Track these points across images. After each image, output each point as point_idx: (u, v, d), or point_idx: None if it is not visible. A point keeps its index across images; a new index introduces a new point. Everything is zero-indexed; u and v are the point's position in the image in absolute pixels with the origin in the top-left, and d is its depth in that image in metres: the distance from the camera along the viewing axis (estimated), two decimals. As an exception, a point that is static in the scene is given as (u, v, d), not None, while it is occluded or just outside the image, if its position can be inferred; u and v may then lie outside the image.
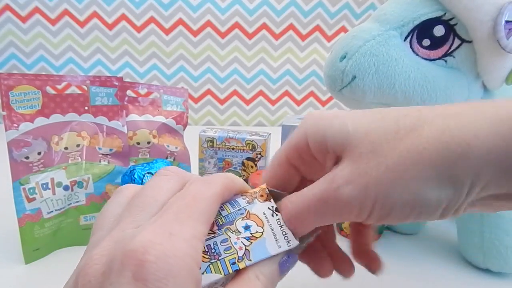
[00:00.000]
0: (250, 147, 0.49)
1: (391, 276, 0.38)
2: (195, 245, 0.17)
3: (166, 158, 0.47)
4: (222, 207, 0.22)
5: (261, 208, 0.22)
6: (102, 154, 0.41)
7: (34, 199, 0.37)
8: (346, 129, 0.20)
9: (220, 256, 0.20)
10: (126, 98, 0.44)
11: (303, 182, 0.24)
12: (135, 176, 0.38)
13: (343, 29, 1.05)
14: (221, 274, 0.19)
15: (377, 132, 0.20)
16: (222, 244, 0.21)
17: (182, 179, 0.21)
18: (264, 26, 1.03)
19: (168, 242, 0.16)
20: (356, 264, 0.30)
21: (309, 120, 0.23)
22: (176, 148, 0.47)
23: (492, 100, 0.20)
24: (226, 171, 0.51)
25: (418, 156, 0.18)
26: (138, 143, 0.45)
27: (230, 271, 0.20)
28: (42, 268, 0.38)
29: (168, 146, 0.47)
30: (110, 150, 0.42)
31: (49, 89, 0.38)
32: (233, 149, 0.50)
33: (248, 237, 0.21)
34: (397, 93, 0.32)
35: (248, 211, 0.22)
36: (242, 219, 0.22)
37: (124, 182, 0.39)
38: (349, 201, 0.20)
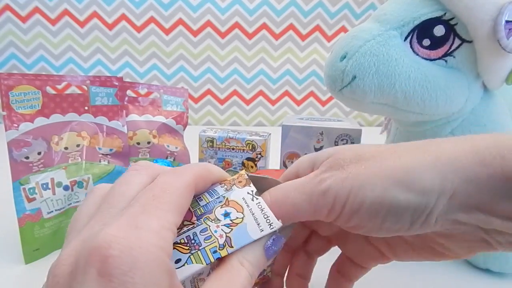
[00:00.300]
0: (250, 147, 0.49)
1: (391, 276, 0.38)
2: (164, 236, 0.17)
3: (166, 158, 0.47)
4: (200, 197, 0.22)
5: (240, 193, 0.22)
6: (102, 154, 0.41)
7: (34, 199, 0.37)
8: (332, 149, 0.23)
9: (200, 246, 0.19)
10: (126, 98, 0.44)
11: None
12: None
13: (343, 29, 1.05)
14: (202, 264, 0.19)
15: (360, 147, 0.23)
16: (201, 233, 0.20)
17: (152, 172, 0.20)
18: (264, 26, 1.03)
19: (133, 234, 0.16)
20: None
21: (298, 160, 0.25)
22: (176, 148, 0.47)
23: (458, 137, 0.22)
24: (226, 171, 0.51)
25: (393, 165, 0.21)
26: (138, 143, 0.45)
27: (212, 260, 0.19)
28: (42, 268, 0.38)
29: (168, 146, 0.47)
30: (110, 150, 0.42)
31: (49, 89, 0.38)
32: (233, 149, 0.50)
33: (228, 224, 0.20)
34: (398, 93, 0.32)
35: (227, 198, 0.22)
36: (221, 207, 0.21)
37: (124, 182, 0.39)
38: (327, 191, 0.21)
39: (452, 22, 0.32)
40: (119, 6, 0.98)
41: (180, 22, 1.01)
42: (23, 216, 0.37)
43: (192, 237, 0.20)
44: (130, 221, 0.16)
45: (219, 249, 0.19)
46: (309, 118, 0.51)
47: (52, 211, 0.38)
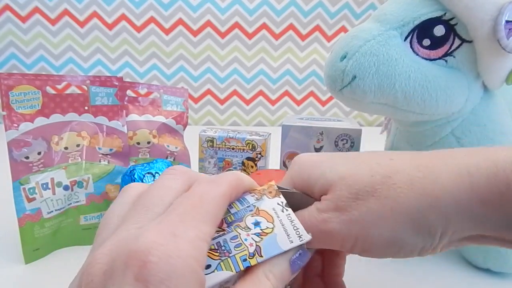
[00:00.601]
0: (250, 147, 0.49)
1: (391, 276, 0.38)
2: (200, 246, 0.17)
3: (166, 158, 0.47)
4: (231, 205, 0.22)
5: (271, 204, 0.22)
6: (102, 154, 0.41)
7: (34, 199, 0.37)
8: (325, 176, 0.23)
9: (230, 253, 0.20)
10: (126, 98, 0.44)
11: None
12: (135, 176, 0.38)
13: (343, 29, 1.05)
14: (232, 272, 0.19)
15: (353, 178, 0.22)
16: (232, 241, 0.20)
17: (189, 179, 0.21)
18: (264, 26, 1.03)
19: (171, 243, 0.16)
20: (356, 264, 0.30)
21: (293, 168, 0.25)
22: (176, 148, 0.47)
23: (451, 151, 0.23)
24: (226, 171, 0.51)
25: (395, 205, 0.21)
26: (138, 143, 0.45)
27: (242, 268, 0.19)
28: (42, 268, 0.38)
29: (168, 146, 0.47)
30: (110, 150, 0.42)
31: (49, 89, 0.38)
32: (233, 149, 0.50)
33: (259, 233, 0.21)
34: (398, 93, 0.32)
35: (257, 208, 0.22)
36: (252, 216, 0.21)
37: (124, 182, 0.39)
38: (334, 234, 0.21)
39: (452, 22, 0.32)
40: (119, 6, 0.98)
41: (180, 22, 1.01)
42: (23, 216, 0.37)
43: (222, 244, 0.20)
44: (169, 229, 0.17)
45: (249, 258, 0.20)
46: (309, 118, 0.51)
47: (52, 211, 0.38)
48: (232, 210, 0.22)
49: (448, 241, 0.21)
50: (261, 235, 0.21)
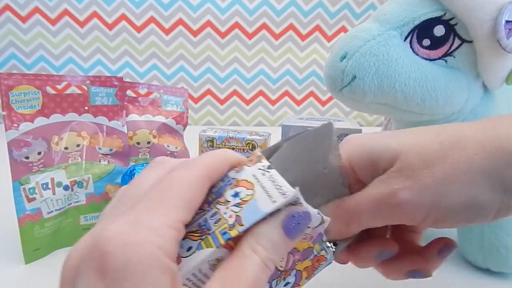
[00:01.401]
0: (250, 147, 0.49)
1: (391, 276, 0.38)
2: (164, 233, 0.16)
3: (166, 158, 0.46)
4: (214, 185, 0.20)
5: (251, 171, 0.20)
6: (102, 154, 0.41)
7: (34, 199, 0.37)
8: (391, 146, 0.22)
9: (210, 230, 0.18)
10: (126, 98, 0.44)
11: None
12: (135, 176, 0.38)
13: (343, 29, 1.05)
14: (213, 247, 0.18)
15: (422, 145, 0.21)
16: (211, 218, 0.19)
17: (169, 166, 0.20)
18: (264, 26, 1.03)
19: (131, 231, 0.16)
20: (353, 267, 0.29)
21: (348, 144, 0.23)
22: (176, 148, 0.47)
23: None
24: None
25: (469, 165, 0.20)
26: (138, 143, 0.45)
27: (222, 242, 0.18)
28: (42, 268, 0.38)
29: (168, 146, 0.47)
30: (110, 150, 0.42)
31: (49, 89, 0.38)
32: (233, 149, 0.50)
33: (238, 203, 0.19)
34: (397, 93, 0.32)
35: (237, 179, 0.20)
36: (231, 188, 0.20)
37: (124, 182, 0.39)
38: (406, 204, 0.21)
39: (452, 22, 0.32)
40: (119, 6, 0.98)
41: (180, 22, 1.01)
42: (23, 216, 0.37)
43: (202, 224, 0.19)
44: (132, 218, 0.16)
45: (228, 230, 0.18)
46: (309, 118, 0.51)
47: (52, 211, 0.38)
48: (214, 189, 0.20)
49: None
50: (241, 205, 0.19)
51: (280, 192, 0.19)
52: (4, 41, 0.96)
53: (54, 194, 0.38)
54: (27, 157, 0.37)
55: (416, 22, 0.32)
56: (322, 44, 1.06)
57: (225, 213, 0.19)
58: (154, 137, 0.45)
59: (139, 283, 0.15)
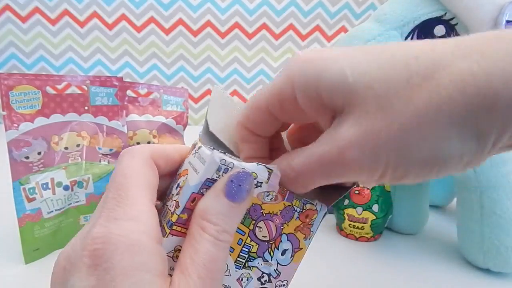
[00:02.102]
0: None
1: (391, 276, 0.38)
2: (142, 219, 0.17)
3: (166, 158, 0.46)
4: (168, 188, 0.22)
5: (187, 159, 0.21)
6: (102, 154, 0.41)
7: (34, 199, 0.37)
8: (345, 80, 0.17)
9: (161, 225, 0.19)
10: (126, 98, 0.44)
11: (284, 127, 0.23)
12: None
13: (343, 29, 1.05)
14: (164, 237, 0.19)
15: (385, 84, 0.16)
16: (162, 215, 0.20)
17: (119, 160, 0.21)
18: (264, 26, 1.03)
19: (113, 226, 0.16)
20: (355, 264, 0.29)
21: (295, 65, 0.18)
22: (176, 148, 0.47)
23: None
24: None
25: (437, 112, 0.16)
26: (138, 143, 0.45)
27: (167, 231, 0.18)
28: (42, 268, 0.38)
29: (168, 146, 0.47)
30: (110, 150, 0.42)
31: (49, 89, 0.38)
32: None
33: (177, 192, 0.19)
34: (398, 93, 0.32)
35: (179, 173, 0.21)
36: (175, 183, 0.21)
37: (124, 182, 0.39)
38: (357, 164, 0.17)
39: (452, 22, 0.32)
40: (119, 6, 0.97)
41: (180, 22, 1.01)
42: (23, 216, 0.37)
43: (160, 224, 0.20)
44: (109, 216, 0.17)
45: (170, 217, 0.19)
46: (309, 118, 0.51)
47: (52, 211, 0.38)
48: (167, 191, 0.22)
49: (500, 147, 0.17)
50: (179, 192, 0.19)
51: (201, 162, 0.19)
52: (4, 41, 0.96)
53: (54, 194, 0.38)
54: (27, 157, 0.37)
55: (416, 22, 0.33)
56: (322, 44, 1.06)
57: (170, 205, 0.20)
58: (154, 137, 0.45)
59: (127, 268, 0.15)
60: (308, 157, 0.18)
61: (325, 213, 0.22)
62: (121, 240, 0.16)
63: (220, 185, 0.18)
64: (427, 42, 0.17)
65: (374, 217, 0.43)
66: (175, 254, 0.19)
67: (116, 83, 0.42)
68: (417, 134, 0.16)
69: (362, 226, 0.44)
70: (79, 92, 0.42)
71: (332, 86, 0.17)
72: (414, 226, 0.47)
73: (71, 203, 0.40)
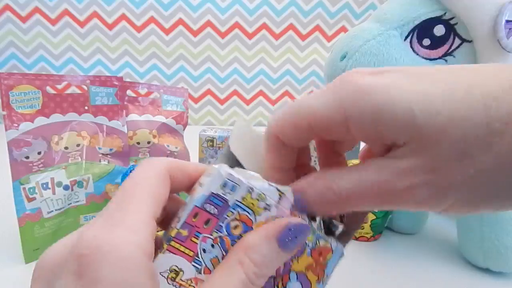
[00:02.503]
0: (250, 147, 0.49)
1: (391, 276, 0.38)
2: (139, 229, 0.16)
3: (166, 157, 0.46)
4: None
5: (199, 179, 0.20)
6: (102, 154, 0.41)
7: (34, 198, 0.37)
8: (412, 120, 0.15)
9: (164, 240, 0.18)
10: (126, 98, 0.44)
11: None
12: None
13: (343, 29, 1.05)
14: (160, 252, 0.17)
15: (461, 129, 0.15)
16: (164, 234, 0.19)
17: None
18: (264, 26, 1.03)
19: (107, 233, 0.15)
20: (356, 263, 0.29)
21: (349, 94, 0.17)
22: (176, 148, 0.47)
23: None
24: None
25: None
26: (138, 143, 0.45)
27: (165, 247, 0.17)
28: (42, 268, 0.38)
29: (168, 146, 0.47)
30: (110, 150, 0.42)
31: (49, 89, 0.38)
32: (233, 149, 0.50)
33: (182, 207, 0.18)
34: (397, 92, 0.32)
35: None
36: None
37: (124, 182, 0.39)
38: (422, 200, 0.16)
39: (452, 22, 0.32)
40: (119, 6, 0.98)
41: (180, 22, 1.01)
42: (23, 216, 0.37)
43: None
44: (107, 220, 0.16)
45: (170, 232, 0.18)
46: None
47: (52, 211, 0.38)
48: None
49: None
50: (183, 207, 0.18)
51: (207, 176, 0.18)
52: (4, 41, 0.96)
53: (54, 194, 0.38)
54: (27, 157, 0.37)
55: (416, 22, 0.33)
56: (322, 44, 1.06)
57: (173, 221, 0.18)
58: (154, 137, 0.45)
59: (115, 281, 0.15)
60: (359, 183, 0.17)
61: (341, 256, 0.20)
62: (112, 250, 0.15)
63: (275, 230, 0.17)
64: (502, 72, 0.16)
65: (374, 217, 0.43)
66: (170, 274, 0.17)
67: (116, 83, 0.42)
68: (496, 177, 0.15)
69: (362, 226, 0.44)
70: (79, 92, 0.42)
71: (396, 125, 0.16)
72: (414, 226, 0.47)
73: (71, 203, 0.40)
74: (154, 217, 0.17)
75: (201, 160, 0.52)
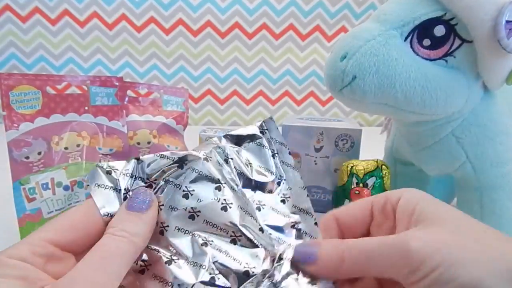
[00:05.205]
0: (250, 147, 0.49)
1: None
2: (21, 247, 0.21)
3: (166, 158, 0.46)
4: None
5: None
6: (102, 154, 0.41)
7: (34, 199, 0.37)
8: None
9: None
10: (126, 98, 0.44)
11: None
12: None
13: (343, 29, 1.05)
14: None
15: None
16: None
17: None
18: (264, 26, 1.03)
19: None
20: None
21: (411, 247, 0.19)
22: (176, 148, 0.47)
23: None
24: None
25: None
26: (138, 143, 0.45)
27: None
28: (42, 268, 0.38)
29: (168, 146, 0.47)
30: (110, 150, 0.42)
31: (49, 89, 0.38)
32: (233, 149, 0.50)
33: None
34: (398, 93, 0.32)
35: None
36: None
37: (124, 182, 0.39)
38: (416, 249, 0.19)
39: (452, 22, 0.32)
40: (119, 6, 0.97)
41: (180, 22, 1.01)
42: (23, 216, 0.37)
43: None
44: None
45: None
46: (309, 118, 0.51)
47: (52, 211, 0.38)
48: None
49: None
50: None
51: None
52: (4, 41, 0.96)
53: (54, 194, 0.38)
54: (27, 157, 0.37)
55: (417, 22, 0.32)
56: (322, 44, 1.06)
57: None
58: (154, 137, 0.45)
59: None
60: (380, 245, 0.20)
61: None
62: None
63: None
64: None
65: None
66: None
67: (116, 83, 0.42)
68: None
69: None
70: (79, 92, 0.42)
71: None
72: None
73: (71, 203, 0.40)
74: (50, 242, 0.22)
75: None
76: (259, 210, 0.24)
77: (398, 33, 0.33)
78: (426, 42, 0.33)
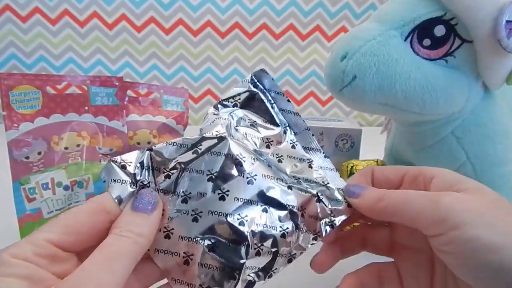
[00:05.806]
0: (250, 147, 0.49)
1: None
2: (22, 245, 0.21)
3: (166, 158, 0.46)
4: None
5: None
6: (102, 154, 0.41)
7: (34, 199, 0.37)
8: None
9: None
10: (126, 98, 0.44)
11: None
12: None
13: (343, 29, 1.05)
14: None
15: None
16: None
17: None
18: (264, 26, 1.03)
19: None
20: (355, 262, 0.29)
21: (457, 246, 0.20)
22: (176, 148, 0.47)
23: None
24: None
25: None
26: (139, 143, 0.45)
27: None
28: (42, 268, 0.38)
29: (168, 146, 0.47)
30: (110, 150, 0.42)
31: (49, 89, 0.38)
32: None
33: None
34: (398, 93, 0.32)
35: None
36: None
37: (124, 182, 0.39)
38: (446, 203, 0.21)
39: (452, 22, 0.32)
40: (119, 6, 0.97)
41: (180, 22, 1.01)
42: (23, 216, 0.37)
43: None
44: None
45: None
46: (309, 118, 0.51)
47: (52, 211, 0.38)
48: None
49: None
50: None
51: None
52: (4, 41, 0.96)
53: (54, 194, 0.38)
54: (27, 157, 0.37)
55: (417, 22, 0.32)
56: (322, 44, 1.06)
57: None
58: (154, 137, 0.45)
59: None
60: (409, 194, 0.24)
61: None
62: None
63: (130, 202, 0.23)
64: None
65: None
66: None
67: (116, 83, 0.42)
68: None
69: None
70: (79, 92, 0.42)
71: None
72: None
73: (71, 203, 0.40)
74: (50, 241, 0.22)
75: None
76: (281, 162, 0.27)
77: (398, 33, 0.33)
78: (426, 42, 0.33)
